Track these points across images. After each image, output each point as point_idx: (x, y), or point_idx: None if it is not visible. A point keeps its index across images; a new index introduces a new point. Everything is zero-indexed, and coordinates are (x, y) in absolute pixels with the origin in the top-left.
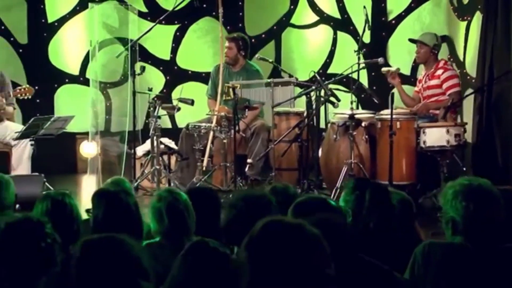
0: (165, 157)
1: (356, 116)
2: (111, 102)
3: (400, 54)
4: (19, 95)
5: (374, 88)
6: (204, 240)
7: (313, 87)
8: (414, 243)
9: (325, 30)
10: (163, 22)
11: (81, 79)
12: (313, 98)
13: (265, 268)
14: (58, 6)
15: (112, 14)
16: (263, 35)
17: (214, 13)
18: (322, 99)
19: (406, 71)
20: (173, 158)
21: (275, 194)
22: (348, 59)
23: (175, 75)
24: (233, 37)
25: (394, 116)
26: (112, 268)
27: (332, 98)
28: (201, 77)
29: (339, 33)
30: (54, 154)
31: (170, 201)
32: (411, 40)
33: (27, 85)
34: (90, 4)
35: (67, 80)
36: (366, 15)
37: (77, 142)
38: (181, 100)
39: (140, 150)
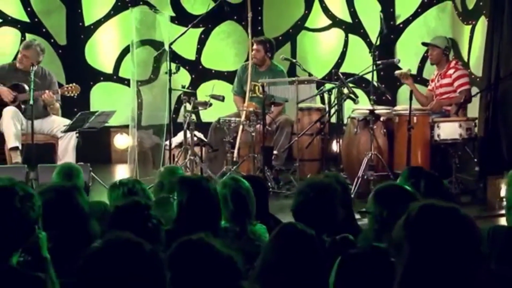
0: (197, 148)
1: (376, 111)
2: (142, 98)
3: (407, 55)
4: (66, 93)
5: (383, 86)
6: (292, 222)
7: (336, 85)
8: None
9: (337, 33)
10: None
11: (114, 77)
12: (332, 95)
13: (423, 247)
14: (94, 11)
15: (145, 17)
16: (280, 38)
17: (235, 17)
18: (344, 96)
19: (413, 71)
20: (201, 150)
21: None
22: (358, 59)
23: (200, 74)
24: (260, 40)
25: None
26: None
27: (352, 95)
28: (224, 76)
29: (350, 35)
30: (91, 146)
31: (234, 187)
32: (424, 44)
33: (74, 84)
34: (130, 9)
35: (101, 78)
36: (382, 19)
37: (111, 135)
38: (213, 96)
39: (173, 142)
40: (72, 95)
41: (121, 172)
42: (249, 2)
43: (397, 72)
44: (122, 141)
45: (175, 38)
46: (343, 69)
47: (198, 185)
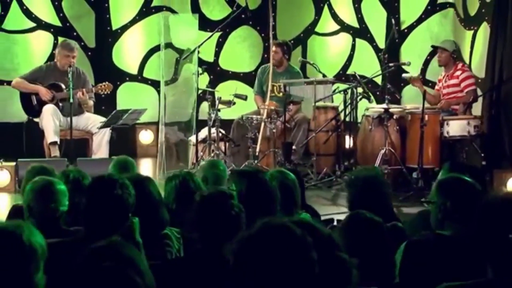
0: (220, 144)
1: (390, 110)
2: (165, 97)
3: (411, 58)
4: (100, 91)
5: (388, 86)
6: (360, 211)
7: (352, 85)
8: None
9: (345, 38)
10: (208, 29)
11: (139, 77)
12: (348, 95)
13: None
14: (121, 16)
15: (171, 22)
16: (292, 41)
17: (250, 23)
18: (359, 95)
19: (417, 72)
20: (225, 145)
21: None
22: (365, 62)
23: (218, 74)
24: (279, 43)
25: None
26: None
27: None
28: (240, 77)
29: (357, 40)
30: (119, 141)
31: (281, 179)
32: (434, 47)
33: (107, 82)
34: (159, 14)
35: (127, 79)
36: (394, 25)
37: (136, 131)
38: (236, 95)
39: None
40: (105, 93)
41: (146, 165)
42: (270, 9)
43: (407, 75)
44: (146, 137)
45: (203, 41)
46: (350, 71)
47: (256, 176)
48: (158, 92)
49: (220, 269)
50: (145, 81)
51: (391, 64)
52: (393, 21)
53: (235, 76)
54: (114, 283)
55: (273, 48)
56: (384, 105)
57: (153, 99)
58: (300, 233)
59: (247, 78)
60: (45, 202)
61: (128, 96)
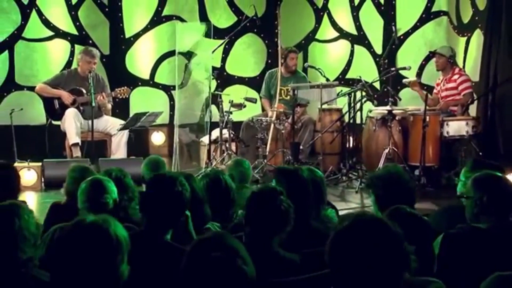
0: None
1: (393, 111)
2: (175, 100)
3: (407, 63)
4: (119, 95)
5: (385, 89)
6: (399, 206)
7: (358, 88)
8: None
9: (344, 44)
10: (215, 37)
11: (151, 82)
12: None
13: None
14: (134, 25)
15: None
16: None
17: (255, 30)
18: (364, 98)
19: (413, 76)
20: (236, 145)
21: None
22: (363, 67)
23: (225, 79)
24: (296, 50)
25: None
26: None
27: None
28: (245, 81)
29: (355, 46)
30: (132, 142)
31: (311, 176)
32: (431, 52)
33: (125, 87)
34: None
35: (139, 84)
36: (394, 33)
37: (149, 133)
38: (247, 99)
39: (207, 138)
40: (124, 97)
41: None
42: (279, 19)
43: (406, 80)
44: (158, 138)
45: (215, 48)
46: (349, 75)
47: (296, 174)
48: (169, 96)
49: (268, 262)
50: (156, 85)
51: (392, 69)
52: (393, 28)
53: (241, 80)
54: (225, 272)
55: (293, 55)
56: (388, 107)
57: (164, 103)
58: (393, 226)
59: (252, 82)
60: (98, 197)
61: (141, 100)
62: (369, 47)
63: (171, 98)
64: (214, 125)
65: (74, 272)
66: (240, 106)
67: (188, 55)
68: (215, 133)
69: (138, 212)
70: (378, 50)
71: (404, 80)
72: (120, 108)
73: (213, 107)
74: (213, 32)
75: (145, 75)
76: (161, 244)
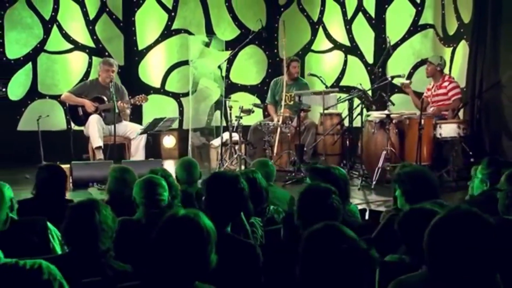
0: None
1: (390, 115)
2: (183, 107)
3: (396, 72)
4: (138, 102)
5: (381, 95)
6: (420, 205)
7: (357, 94)
8: None
9: (338, 55)
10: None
11: (161, 90)
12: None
13: None
14: (146, 38)
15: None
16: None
17: (256, 42)
18: (363, 104)
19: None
20: (245, 147)
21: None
22: (355, 76)
23: (229, 87)
24: (297, 59)
25: (417, 116)
26: None
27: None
28: (247, 89)
29: (349, 56)
30: (146, 145)
31: (339, 175)
32: (422, 60)
33: (143, 94)
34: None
35: (151, 92)
36: (389, 43)
37: (160, 136)
38: (255, 105)
39: (217, 141)
40: (142, 103)
41: (169, 166)
42: (281, 32)
43: (400, 80)
44: (169, 141)
45: (224, 59)
46: (343, 83)
47: (329, 172)
48: (178, 103)
49: None
50: (167, 93)
51: (388, 77)
52: (388, 39)
53: (243, 88)
54: (355, 260)
55: (295, 64)
56: (386, 111)
57: (174, 109)
58: (492, 222)
59: (253, 90)
60: (154, 194)
61: (153, 107)
62: (361, 57)
63: (180, 105)
64: (224, 129)
65: (169, 262)
66: (249, 112)
67: (198, 64)
68: (225, 136)
69: (181, 209)
70: (370, 59)
71: (399, 82)
72: (135, 114)
73: (218, 112)
74: (218, 44)
75: (157, 84)
76: (224, 236)
